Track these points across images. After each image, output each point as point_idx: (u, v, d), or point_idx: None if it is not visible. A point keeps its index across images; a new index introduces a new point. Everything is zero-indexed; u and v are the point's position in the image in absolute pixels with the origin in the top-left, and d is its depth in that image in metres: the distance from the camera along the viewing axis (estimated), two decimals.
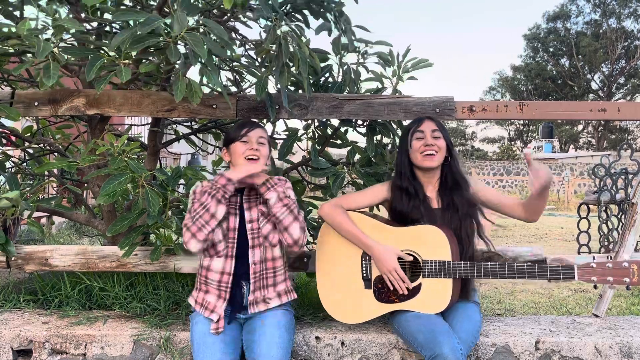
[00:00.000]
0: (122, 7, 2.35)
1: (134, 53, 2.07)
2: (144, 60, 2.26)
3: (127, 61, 1.99)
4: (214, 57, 2.04)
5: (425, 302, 2.00)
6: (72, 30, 1.95)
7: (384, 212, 2.32)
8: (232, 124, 2.78)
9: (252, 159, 2.04)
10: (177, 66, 2.25)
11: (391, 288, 2.04)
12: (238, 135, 2.06)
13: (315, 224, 2.69)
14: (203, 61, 1.95)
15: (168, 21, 1.82)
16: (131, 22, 1.94)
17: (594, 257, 1.92)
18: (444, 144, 2.14)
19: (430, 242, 2.02)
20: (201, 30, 1.90)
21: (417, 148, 2.14)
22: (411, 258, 2.04)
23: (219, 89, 2.20)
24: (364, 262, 2.13)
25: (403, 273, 2.01)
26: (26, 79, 2.69)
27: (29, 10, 2.27)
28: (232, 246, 2.02)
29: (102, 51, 2.06)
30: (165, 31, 1.86)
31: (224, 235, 2.02)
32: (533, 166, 2.00)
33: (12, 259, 2.42)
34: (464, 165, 2.27)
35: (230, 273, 2.01)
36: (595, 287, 2.15)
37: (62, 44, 2.09)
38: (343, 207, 2.16)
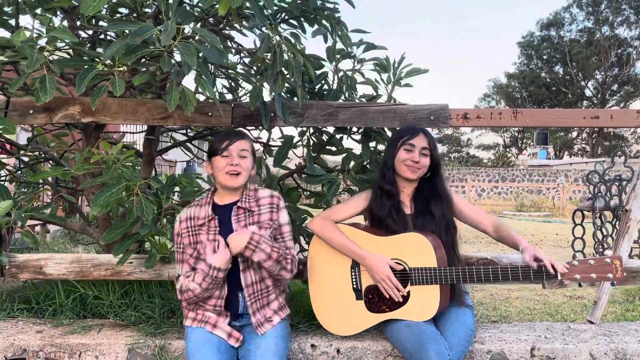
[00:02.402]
0: (117, 15, 2.36)
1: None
2: (140, 69, 2.26)
3: (122, 68, 1.99)
4: (209, 64, 2.04)
5: (414, 310, 2.01)
6: (67, 40, 1.95)
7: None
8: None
9: (233, 174, 1.99)
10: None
11: (387, 297, 2.05)
12: (219, 149, 2.01)
13: (310, 231, 2.68)
14: (197, 69, 1.95)
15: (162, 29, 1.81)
16: (127, 31, 1.94)
17: (574, 255, 1.93)
18: (428, 162, 2.18)
19: (416, 249, 2.04)
20: (197, 37, 1.90)
21: (402, 159, 2.17)
22: (401, 267, 2.05)
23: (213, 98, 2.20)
24: (353, 273, 2.14)
25: (396, 280, 2.02)
26: (21, 87, 2.68)
27: (25, 20, 2.27)
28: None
29: (97, 60, 2.06)
30: (159, 39, 1.86)
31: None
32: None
33: (6, 267, 2.41)
34: (447, 180, 2.33)
35: (223, 297, 1.98)
36: (579, 285, 2.17)
37: (57, 53, 2.09)
38: (332, 219, 2.18)
